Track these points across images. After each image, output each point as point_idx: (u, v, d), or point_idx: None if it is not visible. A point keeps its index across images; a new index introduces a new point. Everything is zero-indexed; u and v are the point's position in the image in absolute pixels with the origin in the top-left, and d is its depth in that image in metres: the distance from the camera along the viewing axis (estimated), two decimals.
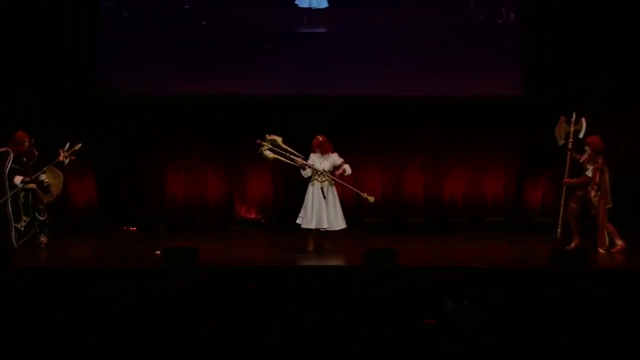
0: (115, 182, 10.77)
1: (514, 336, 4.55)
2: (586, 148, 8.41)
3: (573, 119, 8.58)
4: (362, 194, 8.36)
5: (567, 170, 8.51)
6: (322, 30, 10.65)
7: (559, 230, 8.54)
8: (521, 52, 10.56)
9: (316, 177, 8.31)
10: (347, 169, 8.36)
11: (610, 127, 9.94)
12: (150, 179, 10.85)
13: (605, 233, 8.35)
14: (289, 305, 5.30)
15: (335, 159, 8.38)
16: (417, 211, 10.88)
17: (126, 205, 10.72)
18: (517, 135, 10.67)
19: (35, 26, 10.38)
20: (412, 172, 10.90)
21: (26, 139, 8.65)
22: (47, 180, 8.85)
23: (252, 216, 11.01)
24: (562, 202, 8.55)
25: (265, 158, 8.48)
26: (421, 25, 10.54)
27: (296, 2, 10.54)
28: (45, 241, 8.69)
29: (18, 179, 8.56)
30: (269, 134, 8.45)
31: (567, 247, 8.31)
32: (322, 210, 8.23)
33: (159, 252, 7.84)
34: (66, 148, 8.73)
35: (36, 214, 8.69)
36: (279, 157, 8.38)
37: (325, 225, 8.27)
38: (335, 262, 8.26)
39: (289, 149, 8.40)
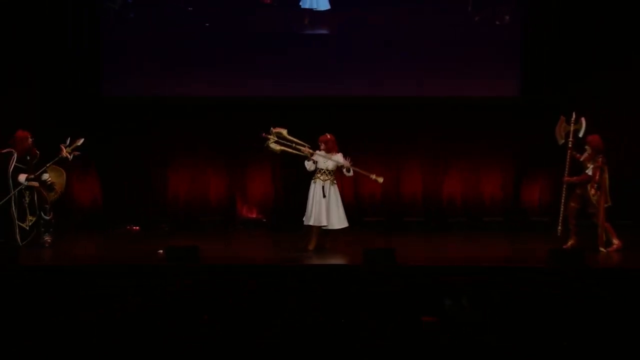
0: (119, 181, 10.80)
1: (512, 335, 4.60)
2: (586, 147, 8.44)
3: (573, 119, 8.63)
4: (371, 176, 8.43)
5: (567, 169, 8.54)
6: (322, 31, 10.66)
7: (559, 227, 8.57)
8: (520, 52, 10.58)
9: (318, 175, 8.38)
10: (349, 169, 8.41)
11: (610, 127, 9.96)
12: (153, 178, 10.88)
13: (606, 232, 8.40)
14: (289, 304, 5.36)
15: (339, 159, 8.43)
16: (416, 211, 10.93)
17: (129, 205, 10.74)
18: (515, 135, 10.69)
19: (35, 27, 10.40)
20: (412, 172, 10.94)
21: (28, 137, 8.69)
22: (50, 178, 8.88)
23: (254, 216, 11.08)
24: (563, 200, 8.59)
25: (272, 151, 8.55)
26: (421, 27, 10.56)
27: (300, 4, 10.57)
28: (49, 240, 8.74)
29: (22, 177, 8.61)
30: (273, 127, 8.52)
31: (564, 246, 8.36)
32: (321, 209, 8.30)
33: (161, 251, 7.90)
34: (67, 144, 8.74)
35: (42, 213, 8.74)
36: (285, 148, 8.45)
37: (324, 223, 8.33)
38: (335, 260, 8.29)
39: (294, 139, 8.47)
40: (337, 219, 8.40)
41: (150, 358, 4.38)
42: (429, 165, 10.92)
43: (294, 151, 8.45)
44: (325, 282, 6.77)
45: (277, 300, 5.54)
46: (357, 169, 8.45)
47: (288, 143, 8.44)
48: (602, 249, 8.35)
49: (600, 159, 8.34)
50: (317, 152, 8.42)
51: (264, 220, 10.98)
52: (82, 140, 8.77)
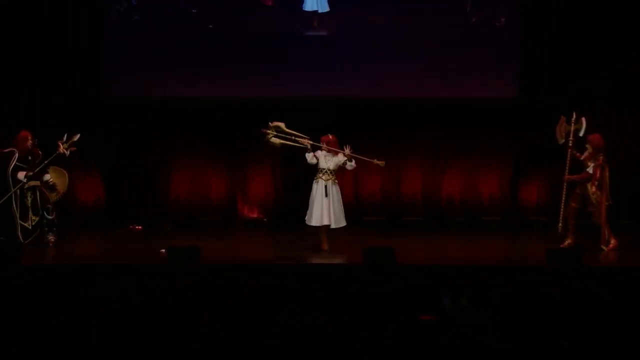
0: (120, 181, 10.83)
1: (511, 334, 4.64)
2: (587, 146, 8.49)
3: (573, 118, 8.67)
4: (373, 161, 8.53)
5: (567, 168, 8.58)
6: (321, 32, 10.70)
7: (559, 224, 8.59)
8: (519, 53, 10.60)
9: (320, 175, 8.46)
10: (350, 164, 8.50)
11: (610, 127, 9.99)
12: (155, 178, 10.92)
13: (608, 230, 8.43)
14: (290, 304, 5.41)
15: (340, 158, 8.51)
16: (416, 210, 10.98)
17: (131, 205, 10.78)
18: (513, 135, 10.72)
19: (35, 27, 10.42)
20: (411, 172, 10.98)
21: (29, 137, 8.78)
22: (51, 179, 8.97)
23: (254, 215, 11.15)
24: (563, 198, 8.61)
25: (273, 145, 8.61)
26: (420, 28, 10.59)
27: (302, 7, 10.61)
28: (53, 240, 8.81)
29: (21, 174, 8.70)
30: (271, 122, 8.59)
31: (561, 246, 8.42)
32: (325, 208, 8.37)
33: (163, 250, 7.97)
34: (64, 140, 8.81)
35: (45, 213, 8.82)
36: (285, 142, 8.52)
37: (326, 222, 8.40)
38: (335, 260, 8.33)
39: (293, 132, 8.54)
40: (338, 219, 8.46)
41: (151, 357, 4.41)
42: (428, 165, 10.96)
43: (294, 144, 8.52)
44: (325, 282, 6.82)
45: (277, 299, 5.58)
46: (358, 156, 8.52)
47: (287, 136, 8.51)
48: (603, 247, 8.39)
49: (601, 157, 8.38)
50: (320, 149, 8.49)
51: (265, 220, 11.03)
52: (78, 136, 8.83)
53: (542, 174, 10.73)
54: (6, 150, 8.82)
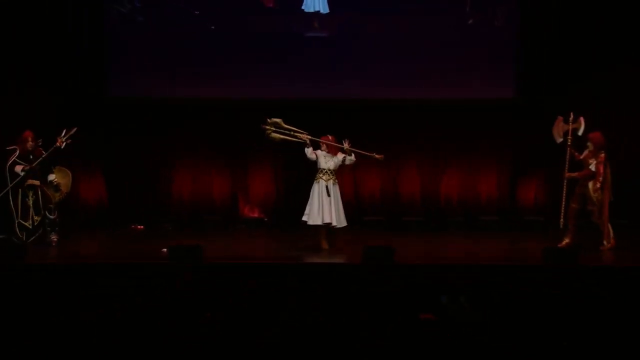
0: (123, 181, 10.90)
1: (510, 333, 4.66)
2: (588, 144, 8.51)
3: (571, 118, 8.71)
4: (372, 155, 8.60)
5: (566, 165, 8.60)
6: (321, 33, 10.73)
7: (561, 220, 8.59)
8: (517, 53, 10.64)
9: (321, 175, 8.49)
10: (347, 159, 8.55)
11: (610, 127, 10.01)
12: (156, 178, 10.98)
13: (609, 227, 8.46)
14: (290, 303, 5.43)
15: (339, 158, 8.55)
16: (415, 210, 11.02)
17: (134, 204, 10.84)
18: (512, 135, 10.76)
19: (35, 27, 10.44)
20: (410, 172, 11.03)
21: (29, 137, 8.83)
22: (56, 179, 9.02)
23: (255, 215, 11.18)
24: (564, 195, 8.60)
25: (273, 140, 8.65)
26: (419, 28, 10.63)
27: (302, 7, 10.66)
28: (55, 239, 8.86)
29: (19, 168, 8.77)
30: (269, 118, 8.63)
31: (559, 245, 8.45)
32: (326, 208, 8.40)
33: (165, 249, 8.00)
34: (63, 134, 8.85)
35: (47, 213, 8.87)
36: (285, 137, 8.57)
37: (327, 220, 8.43)
38: (335, 259, 8.37)
39: (292, 127, 8.61)
40: (339, 219, 8.51)
41: (152, 357, 4.43)
42: (427, 165, 11.01)
43: (293, 139, 8.58)
44: (325, 281, 6.85)
45: (277, 299, 5.61)
46: (357, 150, 8.58)
47: (286, 132, 8.56)
48: (606, 243, 8.42)
49: (603, 154, 8.41)
50: (319, 146, 8.54)
51: (266, 219, 11.07)
52: (75, 129, 8.87)
53: (541, 174, 10.77)
54: (9, 148, 8.90)
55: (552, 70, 10.59)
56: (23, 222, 8.79)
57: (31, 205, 8.83)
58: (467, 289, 5.94)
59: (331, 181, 8.49)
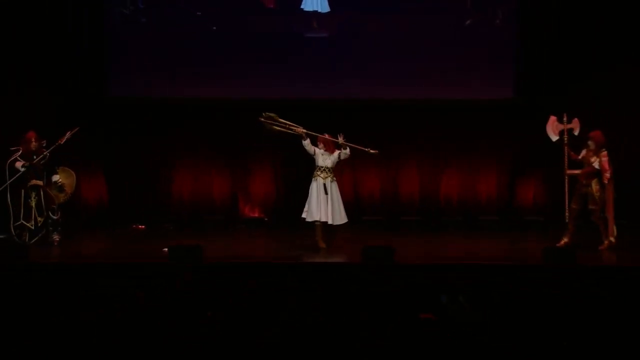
0: (123, 181, 10.91)
1: (510, 333, 4.68)
2: (589, 142, 8.51)
3: (565, 119, 8.72)
4: (367, 150, 8.67)
5: (565, 163, 8.60)
6: (321, 33, 10.75)
7: (566, 215, 8.57)
8: (517, 53, 10.63)
9: (319, 173, 8.52)
10: (344, 153, 8.59)
11: (610, 127, 10.01)
12: (156, 178, 10.99)
13: (613, 225, 8.47)
14: (290, 303, 5.44)
15: (336, 156, 8.60)
16: (414, 210, 11.04)
17: (134, 204, 10.85)
18: (512, 135, 10.77)
19: (35, 27, 10.43)
20: (410, 171, 11.04)
21: (33, 138, 8.84)
22: (60, 180, 9.05)
23: (255, 215, 11.19)
24: (567, 192, 8.57)
25: (271, 132, 8.71)
26: (419, 28, 10.64)
27: (302, 7, 10.66)
28: (57, 239, 8.90)
29: (19, 164, 8.80)
30: (264, 112, 8.62)
31: (557, 245, 8.47)
32: (323, 206, 8.42)
33: (166, 249, 8.01)
34: (66, 137, 8.93)
35: (49, 213, 8.90)
36: (281, 129, 8.63)
37: (324, 219, 8.45)
38: (334, 259, 8.39)
39: (287, 122, 8.66)
40: (339, 216, 8.54)
41: (152, 357, 4.45)
42: (427, 165, 11.02)
43: (290, 131, 8.63)
44: (325, 281, 6.86)
45: (277, 299, 5.62)
46: (352, 145, 8.62)
47: (282, 125, 8.60)
48: (612, 239, 8.42)
49: (604, 152, 8.43)
50: (318, 147, 8.60)
51: (266, 219, 11.08)
52: (77, 129, 8.95)
53: (540, 174, 10.78)
54: (13, 149, 8.93)
55: (552, 70, 10.60)
56: (25, 223, 8.81)
57: (34, 206, 8.85)
58: (467, 289, 5.95)
59: (329, 179, 8.52)
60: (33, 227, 8.82)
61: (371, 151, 8.71)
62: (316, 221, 8.48)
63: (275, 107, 10.77)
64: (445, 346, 4.46)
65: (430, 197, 11.05)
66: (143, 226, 10.71)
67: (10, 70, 10.44)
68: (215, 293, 5.85)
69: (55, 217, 8.94)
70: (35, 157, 8.85)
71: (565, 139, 8.66)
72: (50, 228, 8.91)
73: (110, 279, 6.92)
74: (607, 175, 8.40)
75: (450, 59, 10.59)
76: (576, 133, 8.67)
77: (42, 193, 8.89)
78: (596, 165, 8.44)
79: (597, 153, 8.46)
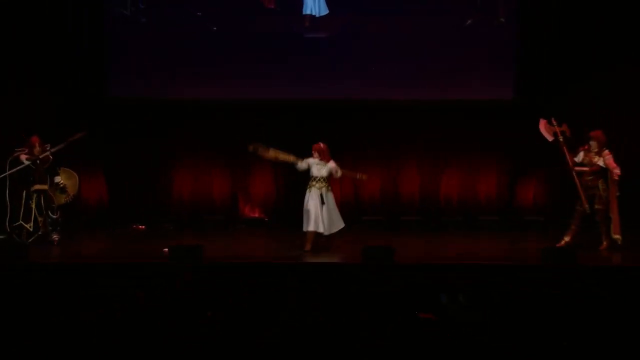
0: (124, 181, 10.92)
1: (509, 333, 4.70)
2: (591, 143, 8.51)
3: (554, 122, 8.69)
4: (357, 175, 8.72)
5: (568, 157, 8.54)
6: (322, 34, 10.74)
7: (585, 206, 8.46)
8: (516, 54, 10.63)
9: (313, 183, 8.51)
10: (338, 171, 8.55)
11: (610, 127, 10.01)
12: (156, 179, 10.99)
13: (619, 223, 8.46)
14: (290, 303, 5.45)
15: (331, 166, 8.56)
16: (414, 210, 11.04)
17: (135, 204, 10.85)
18: (510, 136, 10.76)
19: (35, 27, 10.42)
20: (410, 172, 11.05)
21: (37, 143, 8.87)
22: (62, 181, 9.07)
23: (256, 215, 11.19)
24: (579, 184, 8.46)
25: (263, 157, 8.73)
26: (420, 29, 10.62)
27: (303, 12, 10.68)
28: (57, 239, 8.90)
29: (24, 157, 8.82)
30: (252, 143, 8.68)
31: (557, 245, 8.47)
32: (319, 215, 8.40)
33: (166, 249, 8.01)
34: (72, 138, 8.98)
35: (49, 212, 8.92)
36: (272, 157, 8.66)
37: (321, 229, 8.43)
38: (334, 259, 8.40)
39: (276, 151, 8.65)
40: (335, 223, 8.51)
41: (152, 357, 4.46)
42: (427, 166, 11.02)
43: (282, 159, 8.65)
44: (325, 281, 6.86)
45: (277, 299, 5.62)
46: (342, 171, 8.63)
47: (270, 156, 8.63)
48: (617, 237, 8.42)
49: (607, 151, 8.45)
50: (309, 163, 8.56)
51: (266, 219, 11.09)
52: (84, 133, 9.04)
53: (540, 174, 10.78)
54: (18, 150, 8.95)
55: (552, 70, 10.60)
56: (24, 224, 8.82)
57: (34, 207, 8.86)
58: (467, 289, 5.95)
59: (324, 188, 8.49)
60: (32, 229, 8.82)
61: (358, 176, 8.74)
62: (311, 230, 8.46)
63: (275, 107, 10.84)
64: (445, 346, 4.48)
65: (430, 197, 11.06)
66: (143, 226, 10.72)
67: (10, 70, 10.45)
68: (215, 293, 5.86)
69: (54, 217, 8.95)
70: (38, 161, 8.87)
71: (561, 138, 8.64)
72: (50, 227, 8.92)
73: (110, 279, 6.92)
74: (618, 172, 8.41)
75: (450, 59, 10.60)
76: (568, 135, 8.67)
77: (42, 196, 8.91)
78: (601, 163, 8.43)
79: (600, 153, 8.46)
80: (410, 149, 10.99)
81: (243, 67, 10.70)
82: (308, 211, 8.45)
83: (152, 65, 10.77)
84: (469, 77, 10.59)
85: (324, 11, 10.63)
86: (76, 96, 10.67)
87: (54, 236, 8.91)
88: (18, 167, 8.79)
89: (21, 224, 8.82)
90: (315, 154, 8.57)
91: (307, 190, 8.51)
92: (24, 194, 8.86)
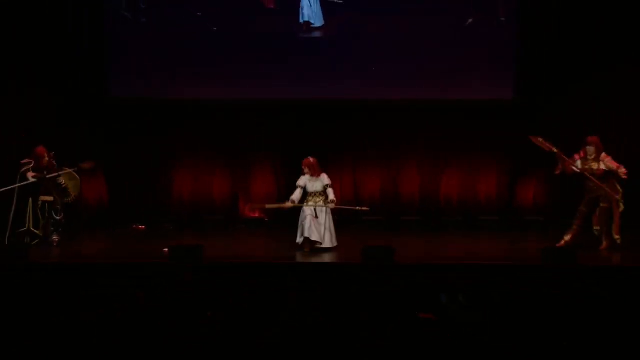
0: (124, 182, 10.93)
1: (509, 333, 4.71)
2: (588, 148, 8.48)
3: (541, 138, 8.62)
4: (357, 208, 8.83)
5: (571, 163, 8.44)
6: (321, 35, 10.77)
7: (622, 200, 8.42)
8: (517, 53, 10.63)
9: (309, 198, 8.53)
10: (330, 194, 8.50)
11: (610, 127, 10.03)
12: (156, 179, 11.01)
13: (618, 223, 8.45)
14: (289, 303, 5.45)
15: (324, 179, 8.55)
16: (414, 210, 11.05)
17: (135, 205, 10.87)
18: (510, 135, 10.76)
19: (35, 27, 10.42)
20: (410, 172, 11.05)
21: (45, 154, 8.92)
22: (64, 182, 9.09)
23: (256, 215, 11.19)
24: (591, 177, 8.41)
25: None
26: (419, 29, 10.62)
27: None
28: (57, 240, 8.91)
29: (31, 174, 8.84)
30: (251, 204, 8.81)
31: (558, 245, 8.47)
32: (312, 227, 8.39)
33: (166, 249, 8.02)
34: (83, 167, 9.12)
35: (53, 213, 8.94)
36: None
37: (315, 237, 8.41)
38: (334, 259, 8.40)
39: (272, 206, 8.84)
40: (330, 239, 8.51)
41: (152, 356, 4.46)
42: (427, 166, 11.03)
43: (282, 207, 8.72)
44: (325, 281, 6.87)
45: (277, 299, 5.63)
46: (344, 207, 8.73)
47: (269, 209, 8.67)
48: (617, 237, 8.43)
49: (604, 154, 8.46)
50: (301, 183, 8.57)
51: (266, 219, 11.09)
52: (94, 164, 9.25)
53: (540, 174, 10.77)
54: (24, 161, 8.98)
55: (552, 70, 10.60)
56: (34, 230, 8.88)
57: (39, 212, 8.91)
58: (467, 289, 5.96)
59: (320, 202, 8.48)
60: (41, 234, 8.87)
61: (358, 208, 8.82)
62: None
63: (275, 107, 10.84)
64: (445, 346, 4.48)
65: (430, 197, 11.06)
66: (143, 226, 10.72)
67: (10, 70, 10.45)
68: (215, 293, 5.86)
69: (58, 218, 8.98)
70: (46, 171, 8.91)
71: (556, 150, 8.53)
72: (52, 228, 8.94)
73: (110, 279, 6.93)
74: (624, 170, 8.42)
75: (450, 59, 10.60)
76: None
77: (47, 203, 8.94)
78: (603, 168, 8.44)
79: (597, 158, 8.46)
80: (410, 149, 11.00)
81: (243, 67, 10.71)
82: (302, 226, 8.47)
83: (152, 65, 10.77)
84: (469, 77, 10.59)
85: (319, 23, 10.63)
86: (76, 96, 10.68)
87: (54, 237, 8.92)
88: (24, 183, 8.83)
89: (29, 229, 8.84)
90: (306, 170, 8.56)
91: (304, 205, 8.51)
92: (30, 201, 8.90)
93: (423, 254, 8.96)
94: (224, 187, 11.15)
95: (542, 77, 10.62)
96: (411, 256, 8.24)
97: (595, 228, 8.64)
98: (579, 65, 10.48)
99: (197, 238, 8.89)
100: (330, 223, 8.52)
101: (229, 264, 7.82)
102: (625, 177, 8.46)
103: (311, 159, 8.58)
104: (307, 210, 8.42)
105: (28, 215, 8.87)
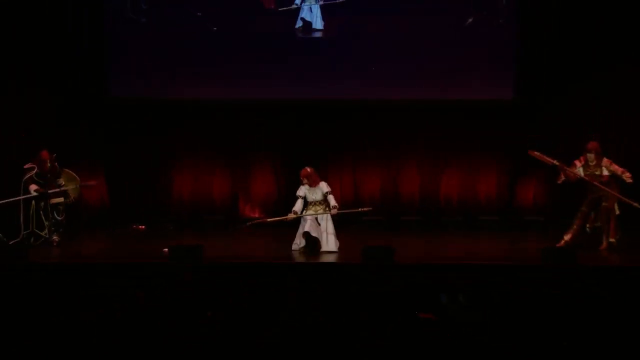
0: (124, 182, 10.96)
1: (509, 333, 4.70)
2: (589, 155, 8.47)
3: (537, 152, 8.64)
4: (360, 210, 8.84)
5: (573, 171, 8.45)
6: (321, 35, 10.78)
7: None
8: (516, 53, 10.65)
9: (310, 206, 8.52)
10: (332, 200, 8.48)
11: (610, 127, 10.03)
12: (156, 179, 11.03)
13: (615, 226, 8.46)
14: (290, 303, 5.45)
15: (323, 187, 8.53)
16: (414, 210, 11.07)
17: (135, 205, 10.89)
18: (510, 135, 10.78)
19: (35, 27, 10.45)
20: (410, 172, 11.07)
21: (47, 159, 8.93)
22: (64, 183, 9.10)
23: (256, 215, 11.19)
24: (598, 185, 8.41)
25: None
26: (419, 29, 10.66)
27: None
28: (57, 240, 8.93)
29: (33, 187, 8.87)
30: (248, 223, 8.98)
31: (558, 245, 8.47)
32: (312, 226, 8.40)
33: (166, 249, 8.02)
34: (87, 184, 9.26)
35: (54, 213, 8.97)
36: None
37: (315, 234, 8.38)
38: (334, 259, 8.40)
39: (272, 219, 8.89)
40: (330, 244, 8.49)
41: (152, 356, 4.46)
42: (427, 166, 11.05)
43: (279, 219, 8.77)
44: (325, 281, 6.87)
45: (277, 299, 5.63)
46: (345, 211, 8.69)
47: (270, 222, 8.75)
48: (612, 240, 8.44)
49: (605, 158, 8.47)
50: (300, 193, 8.57)
51: (267, 219, 11.08)
52: (95, 183, 9.51)
53: (540, 174, 10.78)
54: (27, 167, 8.99)
55: (552, 70, 10.61)
56: (38, 232, 8.90)
57: (42, 213, 8.93)
58: (467, 289, 5.96)
59: (321, 210, 8.47)
60: (46, 236, 8.89)
61: (360, 209, 8.84)
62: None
63: (275, 107, 10.85)
64: (445, 346, 4.48)
65: (430, 197, 11.07)
66: (143, 226, 10.73)
67: (10, 70, 10.46)
68: (215, 293, 5.86)
69: (59, 218, 9.02)
70: (49, 175, 8.94)
71: (557, 162, 8.53)
72: (53, 228, 8.95)
73: (110, 279, 6.93)
74: (629, 174, 8.42)
75: (450, 59, 10.62)
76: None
77: (49, 204, 8.98)
78: (606, 173, 8.44)
79: (599, 164, 8.47)
80: (410, 149, 11.01)
81: (243, 67, 10.73)
82: (299, 233, 8.47)
83: (152, 65, 10.79)
84: (469, 77, 10.61)
85: (319, 26, 10.63)
86: (76, 96, 10.69)
87: (54, 237, 8.94)
88: (27, 196, 8.86)
89: (33, 230, 8.86)
90: (305, 180, 8.54)
91: (304, 212, 8.50)
92: (33, 203, 8.92)
93: (423, 254, 8.96)
94: (224, 187, 11.16)
95: (542, 77, 10.64)
96: (411, 256, 8.24)
97: (587, 226, 8.63)
98: (579, 65, 10.50)
99: (197, 238, 8.89)
100: (331, 227, 8.51)
101: (229, 264, 7.82)
102: (631, 180, 8.44)
103: (308, 169, 8.55)
104: (308, 219, 8.42)
105: (31, 217, 8.89)
